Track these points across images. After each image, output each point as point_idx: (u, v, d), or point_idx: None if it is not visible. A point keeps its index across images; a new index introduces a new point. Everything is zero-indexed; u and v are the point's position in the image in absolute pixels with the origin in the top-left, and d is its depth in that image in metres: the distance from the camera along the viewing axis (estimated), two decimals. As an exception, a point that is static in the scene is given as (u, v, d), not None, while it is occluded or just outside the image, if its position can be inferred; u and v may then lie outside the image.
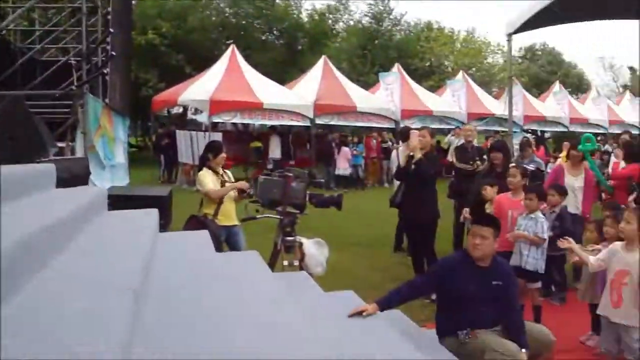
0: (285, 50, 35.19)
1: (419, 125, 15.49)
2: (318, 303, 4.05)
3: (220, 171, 6.79)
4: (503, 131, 21.10)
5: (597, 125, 27.79)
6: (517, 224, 6.19)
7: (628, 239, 4.84)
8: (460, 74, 28.01)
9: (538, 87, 40.62)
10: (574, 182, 7.77)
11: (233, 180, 6.95)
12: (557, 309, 7.08)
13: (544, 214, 6.35)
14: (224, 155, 6.84)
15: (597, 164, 9.89)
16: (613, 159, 12.36)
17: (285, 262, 5.90)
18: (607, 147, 18.88)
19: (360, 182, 20.70)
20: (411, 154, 7.21)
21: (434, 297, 5.48)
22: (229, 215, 6.63)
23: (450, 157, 9.73)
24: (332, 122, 21.93)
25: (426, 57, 37.53)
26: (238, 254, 5.55)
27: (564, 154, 10.37)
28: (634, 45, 50.11)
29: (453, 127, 22.88)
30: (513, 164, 8.00)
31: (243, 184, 6.83)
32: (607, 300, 4.87)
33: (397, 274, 7.89)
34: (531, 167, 8.22)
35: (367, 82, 28.70)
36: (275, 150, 21.20)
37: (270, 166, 18.47)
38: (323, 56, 24.49)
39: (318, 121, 20.96)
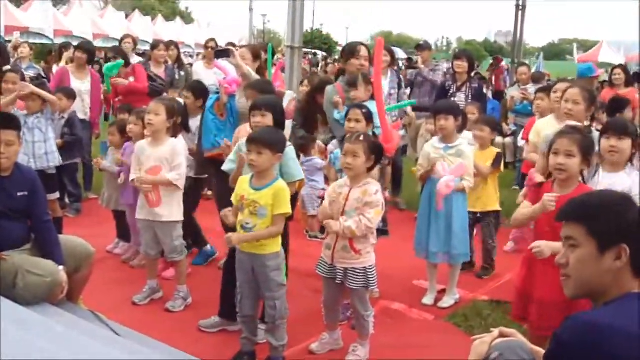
0: None
1: None
2: None
3: None
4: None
5: (81, 37, 27.28)
6: None
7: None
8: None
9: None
10: (81, 85, 7.32)
11: None
12: (74, 220, 6.66)
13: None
14: None
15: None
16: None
17: None
18: None
19: None
20: None
21: None
22: None
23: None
24: None
25: None
26: None
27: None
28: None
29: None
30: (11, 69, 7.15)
31: None
32: (142, 202, 4.59)
33: None
34: (31, 73, 8.23)
35: None
36: None
37: None
38: None
39: None
